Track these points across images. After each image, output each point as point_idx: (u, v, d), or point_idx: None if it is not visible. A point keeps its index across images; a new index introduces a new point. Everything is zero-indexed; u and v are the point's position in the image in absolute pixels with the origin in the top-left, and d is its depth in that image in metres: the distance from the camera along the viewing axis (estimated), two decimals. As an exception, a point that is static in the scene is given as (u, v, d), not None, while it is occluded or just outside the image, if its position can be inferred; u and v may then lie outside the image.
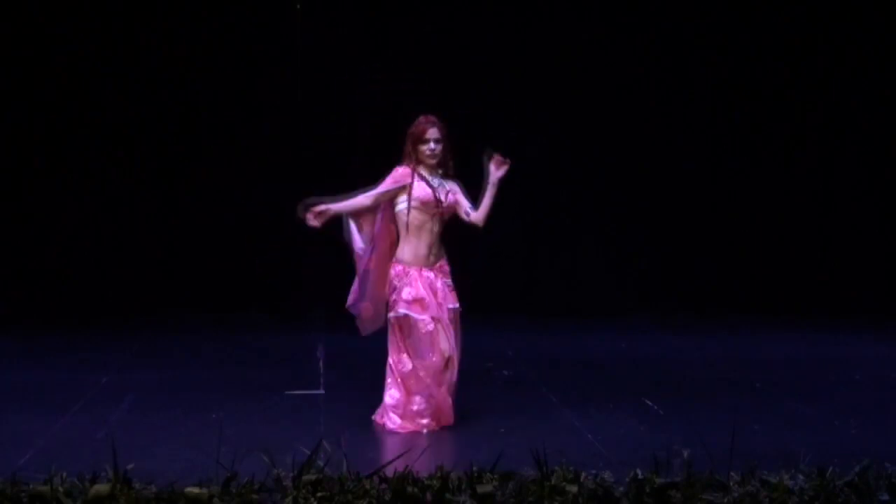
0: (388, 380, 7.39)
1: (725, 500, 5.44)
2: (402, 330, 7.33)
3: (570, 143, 12.49)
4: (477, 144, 7.52)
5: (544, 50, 12.42)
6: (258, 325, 11.62)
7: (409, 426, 7.30)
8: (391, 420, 7.35)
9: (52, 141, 12.15)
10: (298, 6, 12.13)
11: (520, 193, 12.22)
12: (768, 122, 12.79)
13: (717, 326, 11.75)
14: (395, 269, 7.37)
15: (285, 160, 12.09)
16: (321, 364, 9.55)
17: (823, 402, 8.26)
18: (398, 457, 5.82)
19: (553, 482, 5.52)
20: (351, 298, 7.50)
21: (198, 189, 12.31)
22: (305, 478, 5.50)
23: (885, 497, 5.49)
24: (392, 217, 7.42)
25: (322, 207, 7.32)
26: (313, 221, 7.32)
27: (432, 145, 7.38)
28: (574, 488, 5.47)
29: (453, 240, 7.54)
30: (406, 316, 7.29)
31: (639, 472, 5.62)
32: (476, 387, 8.13)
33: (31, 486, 5.44)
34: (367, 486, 5.47)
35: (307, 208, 7.32)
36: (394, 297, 7.34)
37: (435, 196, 7.36)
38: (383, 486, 5.49)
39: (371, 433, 7.27)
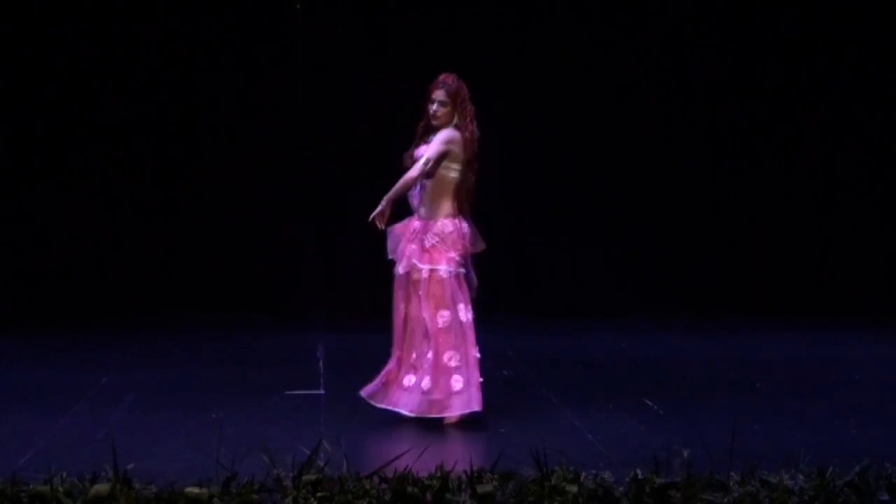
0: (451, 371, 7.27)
1: (725, 500, 5.45)
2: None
3: (570, 143, 12.47)
4: (476, 144, 7.54)
5: (544, 50, 12.41)
6: (258, 325, 11.60)
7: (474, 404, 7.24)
8: (460, 402, 7.24)
9: (52, 141, 12.14)
10: (298, 6, 12.12)
11: (519, 193, 12.24)
12: (768, 122, 12.77)
13: (717, 326, 11.74)
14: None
15: (285, 160, 12.08)
16: (321, 364, 9.55)
17: (823, 402, 8.26)
18: (398, 457, 5.82)
19: (553, 482, 5.52)
20: None
21: (198, 189, 12.30)
22: (305, 478, 5.50)
23: (885, 497, 5.49)
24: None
25: (379, 209, 7.27)
26: (382, 224, 7.31)
27: (434, 107, 7.39)
28: (574, 488, 5.47)
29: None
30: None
31: (639, 472, 5.62)
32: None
33: (31, 486, 5.44)
34: (367, 486, 5.47)
35: (374, 220, 7.29)
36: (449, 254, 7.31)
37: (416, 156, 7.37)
38: (383, 486, 5.49)
39: (371, 433, 7.26)
